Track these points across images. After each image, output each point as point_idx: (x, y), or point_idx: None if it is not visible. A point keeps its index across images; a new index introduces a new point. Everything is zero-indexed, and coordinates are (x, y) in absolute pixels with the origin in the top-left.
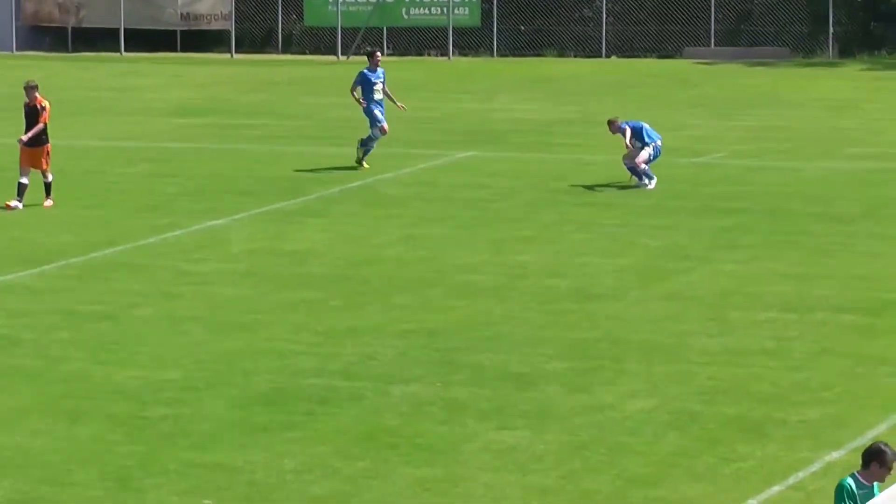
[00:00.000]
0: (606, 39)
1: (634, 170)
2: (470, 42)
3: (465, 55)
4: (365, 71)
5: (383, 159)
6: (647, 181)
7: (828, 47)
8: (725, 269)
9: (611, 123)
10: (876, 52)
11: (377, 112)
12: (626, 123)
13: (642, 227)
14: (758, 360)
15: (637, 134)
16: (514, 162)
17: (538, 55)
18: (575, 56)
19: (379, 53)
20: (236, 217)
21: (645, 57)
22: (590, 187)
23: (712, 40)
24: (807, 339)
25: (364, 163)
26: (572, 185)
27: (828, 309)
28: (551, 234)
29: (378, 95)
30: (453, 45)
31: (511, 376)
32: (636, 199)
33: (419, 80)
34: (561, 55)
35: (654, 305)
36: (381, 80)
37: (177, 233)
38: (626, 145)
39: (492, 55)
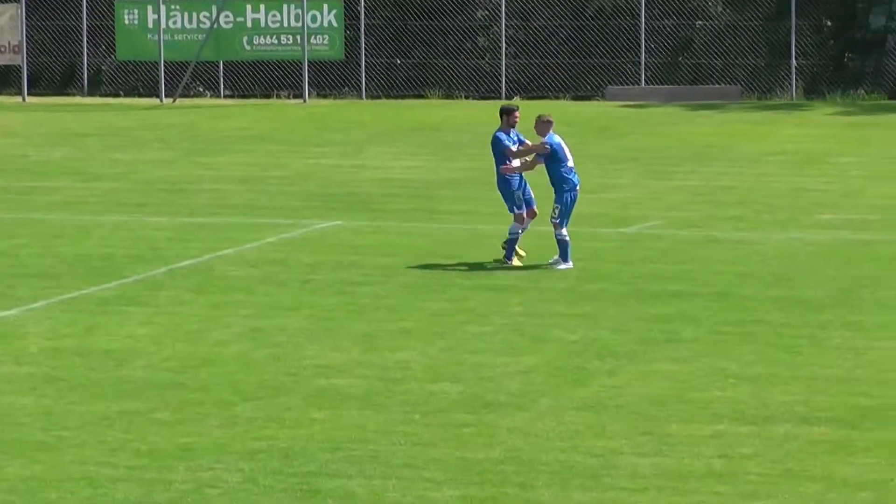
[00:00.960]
0: (507, 76)
1: (565, 244)
2: (331, 80)
3: (326, 97)
4: (500, 133)
5: (221, 230)
6: (559, 259)
7: (790, 85)
8: (661, 369)
9: (545, 123)
10: (850, 92)
11: (516, 189)
12: (552, 140)
13: (555, 317)
14: (704, 484)
15: (554, 162)
16: (390, 234)
17: (419, 96)
18: (466, 98)
19: (517, 112)
20: (33, 307)
21: (557, 98)
22: (488, 266)
23: (642, 77)
24: (765, 459)
25: (514, 258)
26: (465, 264)
27: (792, 419)
28: (438, 326)
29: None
30: (310, 85)
31: None
32: (548, 282)
33: (266, 129)
34: (448, 96)
35: (571, 417)
36: (517, 144)
37: None
38: (522, 163)
39: (359, 97)
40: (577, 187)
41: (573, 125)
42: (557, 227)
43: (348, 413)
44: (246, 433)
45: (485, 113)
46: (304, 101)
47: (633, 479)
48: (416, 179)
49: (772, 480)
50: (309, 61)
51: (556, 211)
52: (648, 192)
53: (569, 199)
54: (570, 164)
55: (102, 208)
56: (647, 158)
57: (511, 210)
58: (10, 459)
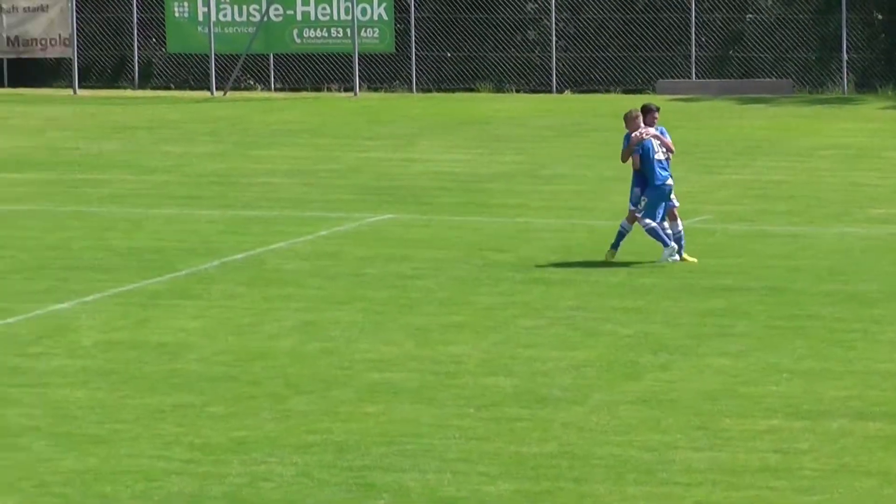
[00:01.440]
0: (557, 70)
1: (653, 231)
2: (382, 73)
3: (376, 90)
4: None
5: (272, 224)
6: (666, 254)
7: (841, 79)
8: (714, 363)
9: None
10: None
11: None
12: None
13: (608, 311)
14: (758, 479)
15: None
16: (442, 227)
17: (470, 90)
18: (517, 91)
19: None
20: (86, 300)
21: (607, 92)
22: (540, 260)
23: (693, 70)
24: (821, 454)
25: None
26: (517, 258)
27: (847, 415)
28: (491, 321)
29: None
30: (360, 78)
31: (444, 502)
32: (600, 276)
33: (317, 122)
34: (499, 90)
35: (625, 411)
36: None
37: (9, 320)
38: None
39: (410, 90)
40: (667, 181)
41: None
42: (640, 219)
43: (401, 407)
44: (299, 427)
45: (535, 106)
46: (355, 94)
47: (687, 474)
48: (467, 173)
49: (827, 476)
50: (359, 54)
51: (642, 203)
52: (699, 186)
53: (653, 194)
54: (660, 156)
55: (153, 201)
56: (698, 152)
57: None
58: (64, 452)
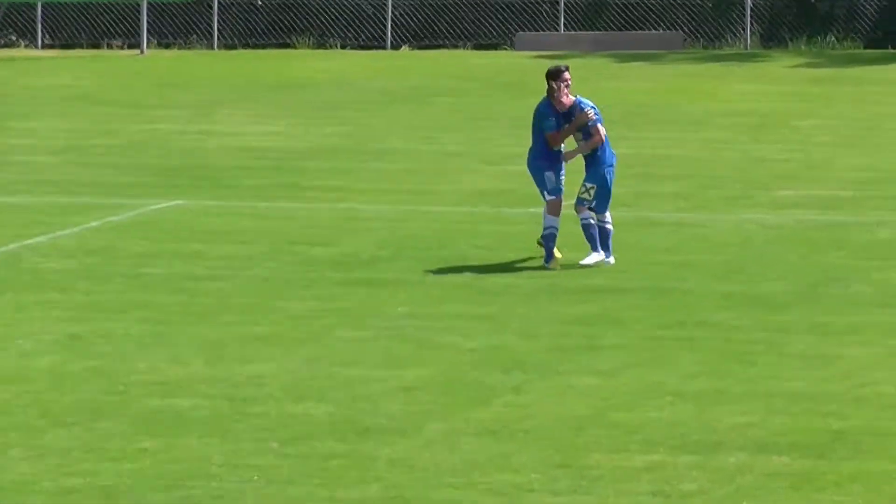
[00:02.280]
0: (393, 21)
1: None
2: (175, 27)
3: (168, 47)
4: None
5: (31, 213)
6: (599, 254)
7: (743, 31)
8: (581, 384)
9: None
10: (818, 39)
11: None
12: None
13: (448, 320)
14: None
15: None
16: (243, 216)
17: (284, 46)
18: (343, 47)
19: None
20: None
21: (455, 48)
22: (365, 256)
23: (561, 21)
24: (712, 496)
25: (552, 262)
26: (337, 253)
27: (745, 447)
28: (301, 332)
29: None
30: (148, 32)
31: None
32: (439, 276)
33: (93, 87)
34: (321, 46)
35: (467, 444)
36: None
37: None
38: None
39: (210, 47)
40: (615, 162)
41: (475, 80)
42: (583, 209)
43: (188, 441)
44: (58, 468)
45: (364, 65)
46: (142, 52)
47: None
48: (278, 148)
49: None
50: (148, 3)
51: (591, 192)
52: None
53: (609, 176)
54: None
55: None
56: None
57: (543, 196)
58: None
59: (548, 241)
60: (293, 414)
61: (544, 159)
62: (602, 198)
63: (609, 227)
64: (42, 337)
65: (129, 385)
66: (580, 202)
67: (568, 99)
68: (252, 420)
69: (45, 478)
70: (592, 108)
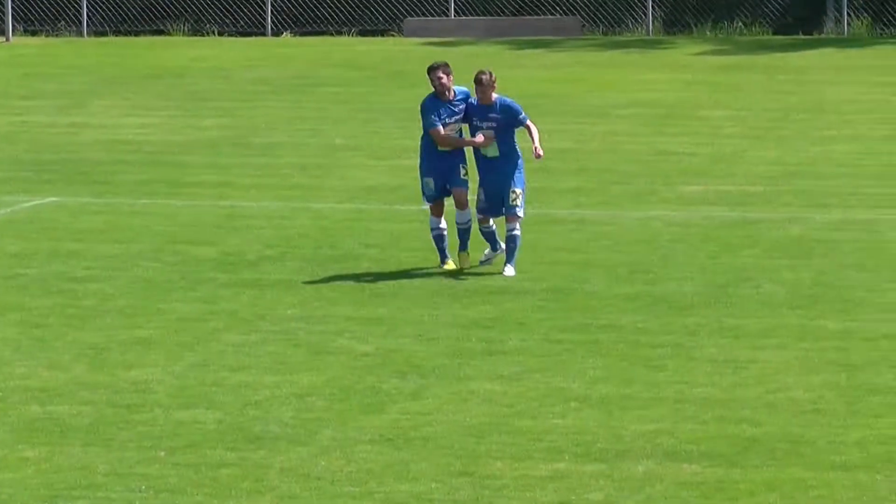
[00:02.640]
0: (273, 6)
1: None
2: (42, 12)
3: (35, 34)
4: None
5: None
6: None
7: (645, 16)
8: (480, 389)
9: (487, 85)
10: (724, 24)
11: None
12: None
13: (341, 322)
14: None
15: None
16: (122, 213)
17: (159, 33)
18: (220, 34)
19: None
20: None
21: (339, 34)
22: (251, 256)
23: (451, 6)
24: None
25: (448, 263)
26: (221, 252)
27: (653, 455)
28: (187, 336)
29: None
30: (14, 18)
31: None
32: (330, 276)
33: None
34: (197, 32)
35: (363, 453)
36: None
37: None
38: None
39: (80, 34)
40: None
41: (362, 69)
42: (515, 219)
43: (70, 450)
44: None
45: (244, 54)
46: (7, 39)
47: None
48: (155, 142)
49: None
50: None
51: (521, 198)
52: None
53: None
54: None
55: None
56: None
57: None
58: None
59: (437, 242)
60: (181, 421)
61: (425, 161)
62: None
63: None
64: None
65: (7, 391)
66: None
67: (451, 93)
68: (137, 427)
69: None
70: (516, 107)
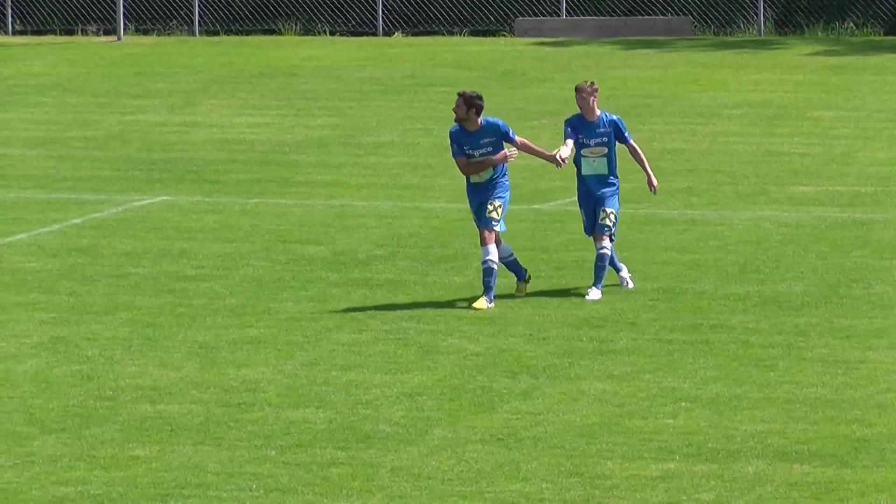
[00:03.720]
0: (385, 5)
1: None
2: (154, 11)
3: (147, 33)
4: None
5: (8, 209)
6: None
7: (756, 16)
8: (591, 389)
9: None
10: (835, 25)
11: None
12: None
13: (451, 322)
14: None
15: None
16: (232, 213)
17: (270, 32)
18: (332, 34)
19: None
20: None
21: (451, 34)
22: (361, 255)
23: (563, 5)
24: None
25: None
26: (331, 252)
27: (764, 455)
28: (297, 335)
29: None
30: (126, 17)
31: None
32: (440, 275)
33: (68, 76)
34: (308, 32)
35: (474, 452)
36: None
37: None
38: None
39: (192, 33)
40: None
41: (472, 69)
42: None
43: (180, 449)
44: (47, 476)
45: (355, 53)
46: (119, 38)
47: None
48: (266, 141)
49: None
50: None
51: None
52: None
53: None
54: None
55: None
56: (570, 112)
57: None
58: None
59: (485, 275)
60: (291, 420)
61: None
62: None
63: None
64: (25, 340)
65: (118, 390)
66: (602, 229)
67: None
68: (248, 426)
69: (34, 486)
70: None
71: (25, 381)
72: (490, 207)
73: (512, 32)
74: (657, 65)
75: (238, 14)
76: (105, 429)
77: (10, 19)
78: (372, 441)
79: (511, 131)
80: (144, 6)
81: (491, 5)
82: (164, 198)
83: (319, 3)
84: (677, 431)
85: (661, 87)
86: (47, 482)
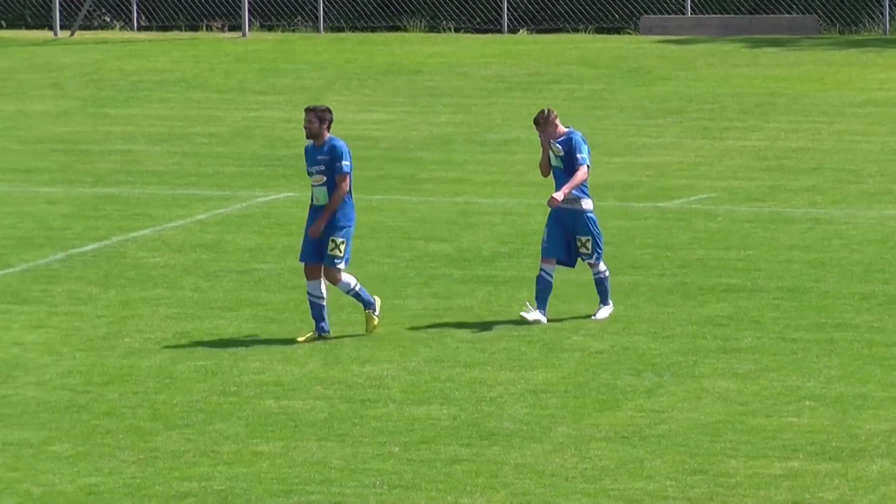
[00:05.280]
0: (510, 2)
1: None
2: (279, 7)
3: (271, 29)
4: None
5: (134, 205)
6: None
7: (882, 15)
8: (715, 387)
9: (550, 123)
10: None
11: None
12: (577, 137)
13: (575, 319)
14: None
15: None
16: (358, 209)
17: (395, 29)
18: (457, 31)
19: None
20: None
21: (575, 31)
22: (486, 252)
23: (689, 4)
24: None
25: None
26: (456, 249)
27: (889, 454)
28: (422, 331)
29: None
30: (250, 13)
31: None
32: (565, 272)
33: (192, 72)
34: (433, 29)
35: (598, 450)
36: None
37: None
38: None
39: (316, 29)
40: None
41: (597, 67)
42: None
43: (304, 445)
44: (170, 471)
45: (479, 50)
46: (244, 34)
47: None
48: (390, 138)
49: None
50: None
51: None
52: (696, 154)
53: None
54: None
55: None
56: (693, 110)
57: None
58: None
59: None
60: (415, 417)
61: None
62: None
63: None
64: (149, 335)
65: (242, 386)
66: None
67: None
68: (372, 423)
69: (158, 482)
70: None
71: (149, 377)
72: (332, 245)
73: (637, 30)
74: (782, 63)
75: (363, 11)
76: (229, 424)
77: (135, 15)
78: (496, 438)
79: (345, 163)
80: (270, 2)
81: (616, 3)
82: (289, 194)
83: (445, 0)
84: (801, 430)
85: (786, 85)
86: (171, 477)
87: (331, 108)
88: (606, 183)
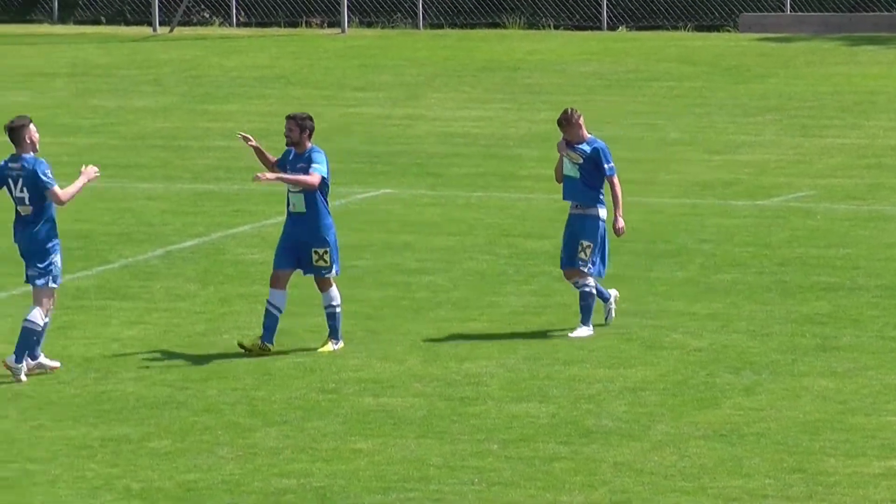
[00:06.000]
0: (609, 1)
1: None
2: (378, 4)
3: (371, 26)
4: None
5: (233, 201)
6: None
7: None
8: (814, 386)
9: (574, 124)
10: None
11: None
12: (601, 145)
13: (674, 317)
14: None
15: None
16: (456, 206)
17: (494, 26)
18: (556, 28)
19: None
20: None
21: (675, 29)
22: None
23: (788, 1)
24: None
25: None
26: (554, 246)
27: None
28: (520, 329)
29: None
30: (350, 10)
31: None
32: (663, 271)
33: (292, 68)
34: (532, 26)
35: (696, 448)
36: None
37: None
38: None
39: (416, 26)
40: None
41: (696, 64)
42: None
43: (403, 442)
44: (268, 468)
45: (579, 47)
46: (343, 30)
47: None
48: (489, 134)
49: None
50: None
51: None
52: (795, 152)
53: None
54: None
55: (77, 171)
56: (793, 108)
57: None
58: None
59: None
60: (514, 414)
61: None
62: None
63: None
64: (248, 332)
65: (341, 383)
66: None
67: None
68: (470, 420)
69: (256, 478)
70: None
71: (248, 374)
72: (315, 256)
73: (736, 28)
74: (882, 61)
75: (462, 7)
76: (327, 421)
77: (234, 11)
78: (594, 436)
79: (317, 165)
80: None
81: (716, 0)
82: (387, 190)
83: None
84: None
85: (886, 83)
86: (269, 474)
87: (312, 116)
88: (706, 181)
